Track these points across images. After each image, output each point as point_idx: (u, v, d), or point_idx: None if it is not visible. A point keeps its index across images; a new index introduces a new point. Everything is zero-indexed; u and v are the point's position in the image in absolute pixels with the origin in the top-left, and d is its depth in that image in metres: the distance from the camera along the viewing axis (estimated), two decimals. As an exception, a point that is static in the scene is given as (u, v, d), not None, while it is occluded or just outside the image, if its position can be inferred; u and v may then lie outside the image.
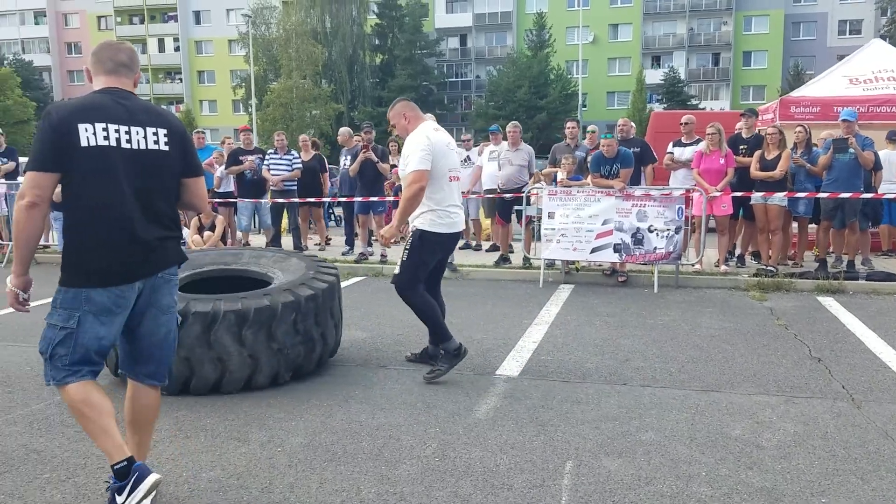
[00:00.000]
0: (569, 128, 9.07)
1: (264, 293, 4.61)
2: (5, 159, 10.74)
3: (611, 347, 5.53)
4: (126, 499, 2.73)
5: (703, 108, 45.27)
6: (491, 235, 11.90)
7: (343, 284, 8.28)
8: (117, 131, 2.77)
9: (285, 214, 10.74)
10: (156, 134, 2.87)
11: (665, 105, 47.81)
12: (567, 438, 3.73)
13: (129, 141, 2.80)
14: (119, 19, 62.08)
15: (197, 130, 12.02)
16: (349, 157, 9.84)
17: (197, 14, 61.25)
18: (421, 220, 4.67)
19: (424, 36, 53.22)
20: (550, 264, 8.41)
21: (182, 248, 3.17)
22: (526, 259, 8.87)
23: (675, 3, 54.57)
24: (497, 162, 9.38)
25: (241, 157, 10.37)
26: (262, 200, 10.51)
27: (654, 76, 51.63)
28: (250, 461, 3.47)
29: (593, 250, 7.91)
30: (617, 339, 5.78)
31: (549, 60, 49.36)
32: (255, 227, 11.57)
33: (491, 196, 9.60)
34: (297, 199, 10.29)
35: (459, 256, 9.19)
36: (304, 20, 49.03)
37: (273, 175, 10.18)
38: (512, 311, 6.82)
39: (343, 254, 10.11)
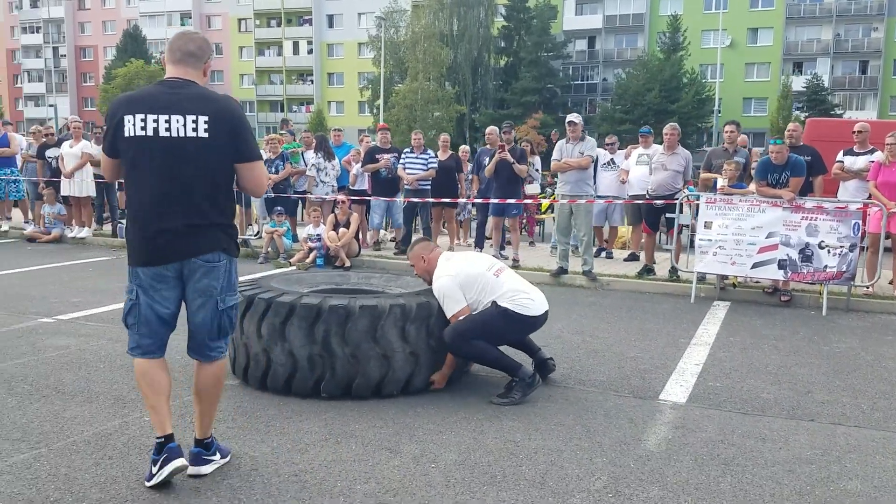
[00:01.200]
0: (728, 132, 8.38)
1: (399, 294, 4.52)
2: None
3: (787, 376, 4.94)
4: (154, 472, 3.00)
5: (847, 118, 42.06)
6: (628, 243, 11.34)
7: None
8: (156, 121, 2.90)
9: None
10: (195, 121, 2.91)
11: (808, 113, 44.86)
12: (759, 482, 3.25)
13: (168, 129, 2.90)
14: (258, 22, 65.14)
15: (335, 129, 12.16)
16: (488, 158, 9.57)
17: (330, 18, 63.34)
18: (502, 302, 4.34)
19: (552, 38, 52.53)
20: (702, 278, 7.79)
21: (228, 236, 3.11)
22: (674, 271, 8.28)
23: (820, 8, 51.18)
24: (648, 166, 8.82)
25: (377, 156, 10.33)
26: (396, 199, 10.44)
27: (796, 83, 48.57)
28: (405, 476, 3.23)
29: (754, 265, 7.24)
30: (791, 367, 5.17)
31: (683, 64, 47.47)
32: (385, 225, 11.54)
33: (638, 202, 9.06)
34: (430, 199, 10.13)
35: (596, 265, 8.70)
36: (433, 23, 49.58)
37: (408, 174, 10.07)
38: (665, 328, 6.31)
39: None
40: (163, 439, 3.03)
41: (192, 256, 3.01)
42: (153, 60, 57.03)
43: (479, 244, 10.17)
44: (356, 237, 9.92)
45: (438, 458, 3.43)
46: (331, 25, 63.49)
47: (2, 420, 3.74)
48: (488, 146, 10.20)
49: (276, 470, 3.26)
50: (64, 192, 10.97)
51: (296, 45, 64.78)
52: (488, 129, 10.48)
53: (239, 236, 4.26)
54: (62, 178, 10.91)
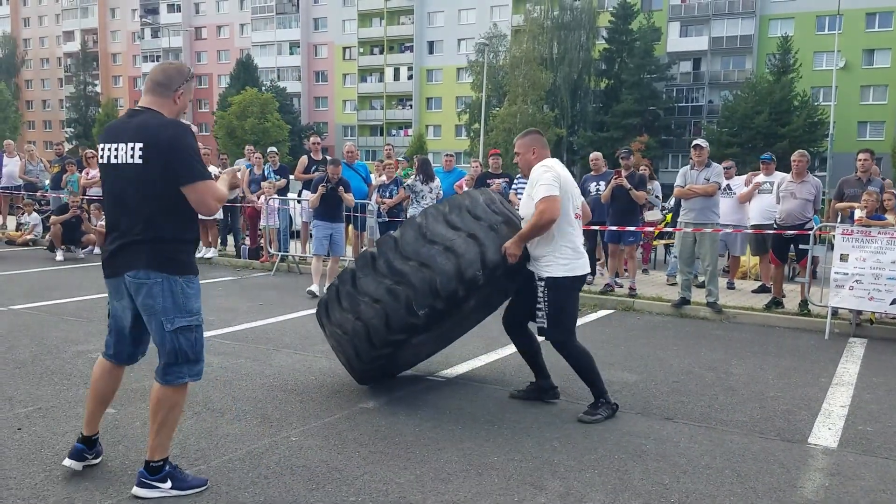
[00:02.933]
0: (861, 160, 7.95)
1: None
2: (279, 176, 11.69)
3: (948, 424, 4.59)
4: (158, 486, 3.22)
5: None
6: (749, 273, 10.91)
7: (590, 317, 7.95)
8: (110, 149, 3.17)
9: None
10: (132, 148, 3.09)
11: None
12: (939, 543, 3.02)
13: (115, 157, 3.15)
14: (362, 50, 67.25)
15: (447, 154, 12.18)
16: (602, 183, 9.45)
17: (431, 44, 64.63)
18: (547, 264, 4.42)
19: (655, 60, 51.59)
20: (835, 313, 7.37)
21: (161, 253, 3.14)
22: (804, 304, 7.88)
23: (943, 26, 48.03)
24: (776, 194, 8.47)
25: (488, 181, 10.38)
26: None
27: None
28: (554, 514, 3.18)
29: (894, 301, 6.80)
30: (952, 415, 4.80)
31: (794, 86, 45.54)
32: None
33: (762, 232, 8.70)
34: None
35: (720, 296, 8.39)
36: (533, 47, 49.69)
37: (520, 198, 10.06)
38: (802, 366, 6.00)
39: (587, 283, 9.69)
40: (80, 436, 3.42)
41: (120, 273, 3.19)
42: (263, 88, 59.72)
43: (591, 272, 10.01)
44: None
45: (585, 497, 3.37)
46: (431, 52, 64.75)
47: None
48: (593, 172, 10.06)
49: (423, 499, 3.28)
50: (194, 215, 11.57)
51: (396, 72, 66.40)
52: (593, 156, 10.32)
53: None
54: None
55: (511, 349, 6.19)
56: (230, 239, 12.64)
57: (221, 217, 11.83)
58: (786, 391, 5.23)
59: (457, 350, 6.06)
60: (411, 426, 4.22)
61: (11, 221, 14.36)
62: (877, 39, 49.48)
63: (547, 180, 4.31)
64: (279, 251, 11.04)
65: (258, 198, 11.36)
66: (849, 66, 49.17)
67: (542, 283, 4.47)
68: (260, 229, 11.57)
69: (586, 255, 4.61)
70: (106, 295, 3.44)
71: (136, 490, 3.21)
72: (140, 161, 3.08)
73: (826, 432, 4.36)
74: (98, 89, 76.05)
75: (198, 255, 11.59)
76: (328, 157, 10.57)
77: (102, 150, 3.22)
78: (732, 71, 53.90)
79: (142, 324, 3.26)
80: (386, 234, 4.46)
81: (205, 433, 4.00)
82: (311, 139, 12.14)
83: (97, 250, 11.55)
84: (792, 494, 3.45)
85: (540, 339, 4.78)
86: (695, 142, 8.16)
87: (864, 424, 4.52)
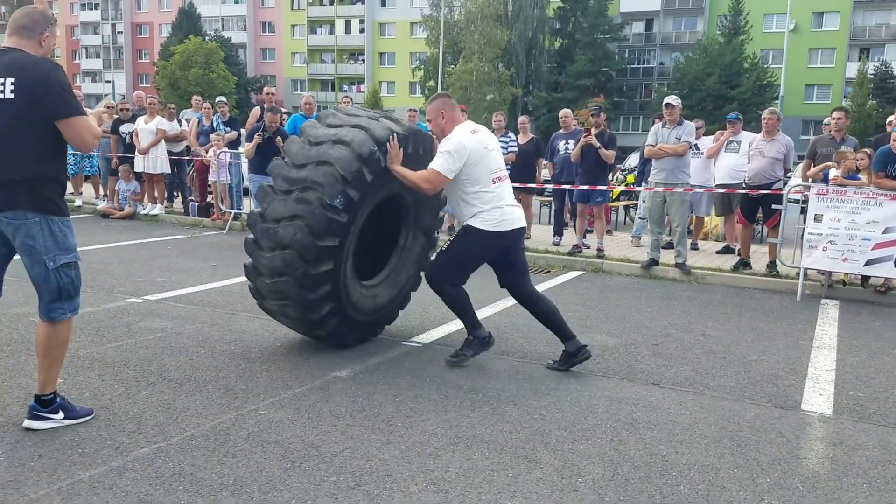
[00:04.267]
0: (834, 118, 7.85)
1: None
2: (229, 129, 11.07)
3: (934, 388, 4.52)
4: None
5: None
6: (711, 234, 10.87)
7: (561, 279, 7.75)
8: None
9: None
10: (3, 84, 3.08)
11: (875, 101, 43.11)
12: (954, 516, 2.89)
13: None
14: (310, 0, 65.05)
15: (345, 96, 11.74)
16: (571, 142, 9.19)
17: (384, -4, 62.96)
18: (471, 220, 4.42)
19: (608, 20, 51.34)
20: (805, 274, 7.32)
21: (37, 193, 3.13)
22: (773, 265, 7.82)
23: (890, -8, 48.92)
24: (746, 154, 8.34)
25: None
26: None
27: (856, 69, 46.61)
28: (553, 491, 2.95)
29: (868, 262, 6.76)
30: (935, 378, 4.74)
31: (744, 48, 45.95)
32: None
33: (731, 192, 8.58)
34: (515, 184, 9.72)
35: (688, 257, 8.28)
36: (489, 2, 48.78)
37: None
38: (779, 328, 5.90)
39: (554, 244, 9.49)
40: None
41: None
42: (207, 38, 57.41)
43: (557, 232, 9.81)
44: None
45: (583, 471, 3.14)
46: (383, 4, 63.09)
47: (113, 409, 3.57)
48: (562, 130, 9.79)
49: (412, 476, 3.01)
50: (138, 168, 10.91)
51: (348, 24, 64.56)
52: (562, 113, 10.03)
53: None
54: (136, 154, 10.85)
55: (489, 311, 5.97)
56: (177, 195, 12.02)
57: (168, 171, 11.19)
58: (768, 354, 5.11)
59: (431, 313, 5.79)
60: (390, 396, 3.93)
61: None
62: (826, 2, 50.17)
63: (443, 159, 4.27)
64: (231, 208, 10.50)
65: (206, 151, 10.73)
66: (798, 28, 49.80)
67: (460, 228, 4.55)
68: (209, 185, 10.97)
69: (515, 213, 4.50)
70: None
71: (30, 423, 3.28)
72: (12, 95, 3.07)
73: (818, 398, 4.23)
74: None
75: (143, 211, 11.00)
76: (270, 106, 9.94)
77: None
78: (684, 32, 54.10)
79: (2, 264, 3.34)
80: (274, 158, 4.50)
81: (162, 406, 3.64)
82: (265, 90, 11.51)
83: None
84: (797, 466, 3.29)
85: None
86: (666, 99, 7.94)
87: (854, 390, 4.41)
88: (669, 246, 8.63)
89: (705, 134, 10.17)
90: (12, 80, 3.08)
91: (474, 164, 4.32)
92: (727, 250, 9.18)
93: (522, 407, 3.87)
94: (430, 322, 5.56)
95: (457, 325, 5.52)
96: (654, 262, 8.02)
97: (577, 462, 3.23)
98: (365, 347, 4.82)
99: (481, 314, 5.72)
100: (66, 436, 3.23)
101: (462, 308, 4.54)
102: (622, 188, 11.73)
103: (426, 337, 5.19)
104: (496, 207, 4.38)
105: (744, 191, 8.28)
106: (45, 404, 3.29)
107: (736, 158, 9.02)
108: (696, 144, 9.87)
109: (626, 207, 13.44)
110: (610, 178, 10.90)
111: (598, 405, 3.96)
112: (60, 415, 3.32)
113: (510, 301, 6.36)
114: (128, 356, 4.41)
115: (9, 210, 3.11)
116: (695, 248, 9.76)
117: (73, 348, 4.13)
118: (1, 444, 3.11)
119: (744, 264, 8.03)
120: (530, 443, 3.42)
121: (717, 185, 9.13)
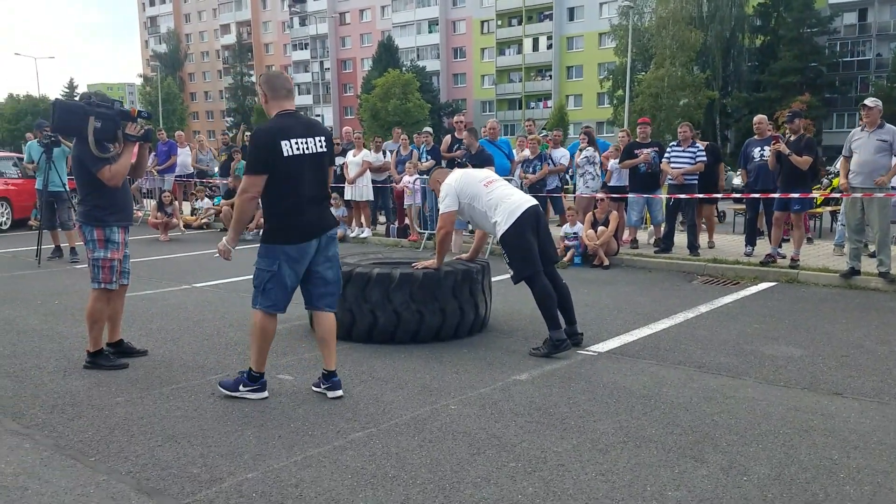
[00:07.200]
0: None
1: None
2: (429, 156, 12.00)
3: None
4: (246, 391, 4.27)
5: None
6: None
7: (750, 290, 7.62)
8: (306, 142, 4.07)
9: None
10: (320, 141, 4.14)
11: None
12: None
13: (308, 147, 4.08)
14: (499, 22, 66.91)
15: (528, 120, 12.00)
16: (766, 148, 8.95)
17: (571, 10, 63.18)
18: (497, 231, 5.29)
19: (815, 13, 47.64)
20: None
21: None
22: None
23: None
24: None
25: (636, 151, 10.15)
26: (656, 195, 10.18)
27: None
28: (717, 487, 3.16)
29: None
30: None
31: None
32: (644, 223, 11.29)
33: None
34: (699, 195, 9.68)
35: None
36: (681, 6, 47.28)
37: (674, 168, 9.72)
38: None
39: (746, 255, 9.29)
40: (260, 375, 4.30)
41: (324, 232, 4.29)
42: (404, 68, 60.92)
43: (750, 241, 9.55)
44: (614, 235, 9.85)
45: (749, 471, 3.32)
46: (571, 18, 63.31)
47: (334, 401, 4.28)
48: (756, 136, 9.54)
49: (583, 467, 3.37)
50: (346, 196, 12.20)
51: (535, 42, 65.55)
52: (756, 119, 9.77)
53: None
54: (346, 183, 12.14)
55: (668, 322, 6.14)
56: (382, 219, 13.23)
57: (372, 199, 12.38)
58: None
59: (608, 324, 6.07)
60: (565, 398, 4.31)
61: (187, 207, 15.76)
62: None
63: (446, 195, 5.39)
64: (423, 230, 11.39)
65: (401, 178, 11.78)
66: None
67: (499, 243, 5.43)
68: (406, 208, 11.99)
69: (518, 198, 5.35)
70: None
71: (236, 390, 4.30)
72: (325, 150, 4.18)
73: None
74: (254, 79, 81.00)
75: (351, 234, 12.25)
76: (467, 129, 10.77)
77: (296, 143, 4.02)
78: (905, 19, 48.72)
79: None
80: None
81: (373, 399, 4.30)
82: (456, 118, 12.37)
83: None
84: (983, 478, 3.21)
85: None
86: (864, 101, 7.56)
87: None
88: (874, 255, 8.14)
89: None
90: (322, 138, 4.14)
91: (466, 197, 5.36)
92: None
93: (694, 413, 4.07)
94: (605, 333, 5.85)
95: (631, 336, 5.79)
96: (854, 272, 7.63)
97: (745, 462, 3.41)
98: (542, 357, 5.22)
99: (658, 326, 5.96)
100: (299, 420, 3.96)
101: (548, 305, 5.18)
102: (821, 195, 11.11)
103: (602, 346, 5.48)
104: (500, 204, 5.27)
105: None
106: (253, 379, 4.29)
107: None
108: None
109: (833, 213, 12.63)
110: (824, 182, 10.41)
111: (773, 413, 4.05)
112: (258, 394, 4.31)
113: (690, 313, 6.53)
114: (342, 359, 5.16)
115: (331, 228, 4.28)
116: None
117: (298, 351, 4.95)
118: (249, 426, 3.90)
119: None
120: (699, 445, 3.63)
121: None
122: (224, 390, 4.31)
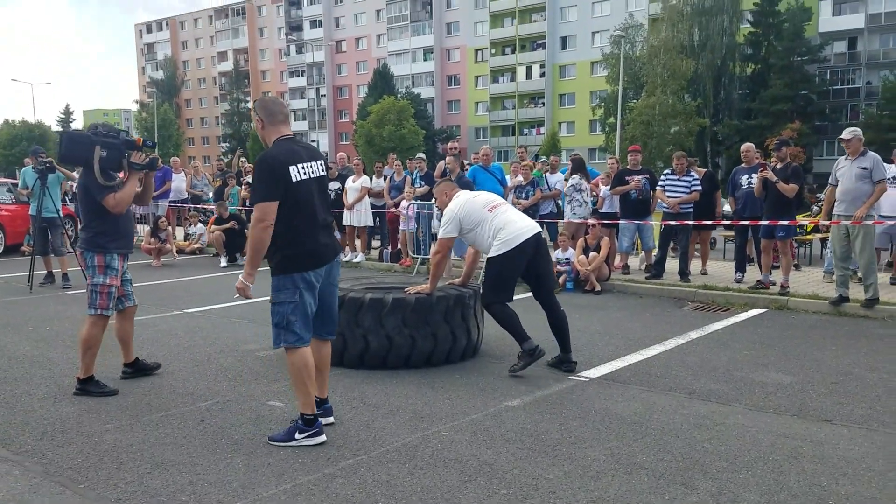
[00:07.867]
0: None
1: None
2: (423, 182, 12.04)
3: None
4: (304, 438, 3.96)
5: None
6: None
7: (740, 317, 7.66)
8: (310, 167, 4.00)
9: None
10: (321, 165, 4.10)
11: None
12: None
13: (313, 171, 4.02)
14: (493, 51, 67.69)
15: (520, 147, 12.10)
16: (754, 176, 9.04)
17: (564, 39, 64.01)
18: (491, 252, 5.41)
19: (806, 42, 48.38)
20: None
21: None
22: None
23: None
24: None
25: (626, 178, 10.24)
26: (647, 222, 10.25)
27: None
28: (706, 515, 3.17)
29: None
30: None
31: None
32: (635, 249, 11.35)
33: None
34: (691, 222, 9.75)
35: (884, 292, 7.80)
36: (673, 35, 47.97)
37: (670, 197, 9.79)
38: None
39: (736, 281, 9.35)
40: (312, 416, 4.02)
41: (336, 256, 4.22)
42: (399, 95, 61.50)
43: (739, 268, 9.62)
44: (606, 261, 9.90)
45: (739, 497, 3.32)
46: (563, 47, 64.13)
47: (325, 428, 4.27)
48: (744, 164, 9.64)
49: (574, 494, 3.37)
50: (345, 221, 12.23)
51: (528, 70, 66.30)
52: (744, 147, 9.87)
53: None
54: (344, 209, 12.17)
55: (659, 349, 6.17)
56: (377, 244, 13.26)
57: (371, 224, 12.42)
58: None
59: (599, 350, 6.09)
60: (556, 424, 4.32)
61: (180, 232, 15.77)
62: None
63: (448, 221, 5.50)
64: (416, 254, 11.43)
65: (396, 204, 11.83)
66: None
67: (486, 261, 5.66)
68: (399, 233, 12.03)
69: (521, 225, 5.42)
70: (263, 299, 3.94)
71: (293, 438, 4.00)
72: (324, 173, 4.15)
73: None
74: (249, 105, 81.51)
75: (345, 258, 12.27)
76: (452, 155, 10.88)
77: (303, 167, 3.95)
78: (893, 49, 49.50)
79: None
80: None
81: (363, 426, 4.30)
82: (449, 145, 12.48)
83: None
84: (971, 505, 3.23)
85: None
86: (841, 135, 7.72)
87: None
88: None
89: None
90: (321, 161, 4.11)
91: (467, 222, 5.45)
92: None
93: (685, 439, 4.08)
94: (597, 358, 5.87)
95: (622, 361, 5.81)
96: (843, 299, 7.68)
97: (734, 489, 3.41)
98: (535, 381, 5.24)
99: (649, 352, 5.99)
100: (289, 447, 3.95)
101: (510, 324, 5.37)
102: (810, 222, 11.21)
103: (593, 372, 5.49)
104: (499, 239, 5.35)
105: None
106: (308, 423, 4.00)
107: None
108: (894, 176, 9.31)
109: (823, 240, 12.71)
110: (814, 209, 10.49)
111: (763, 440, 4.06)
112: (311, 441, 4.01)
113: (681, 339, 6.56)
114: (333, 384, 5.16)
115: (337, 253, 4.23)
116: (895, 283, 9.13)
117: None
118: (238, 454, 3.89)
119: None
120: (689, 471, 3.64)
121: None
122: (279, 444, 3.97)
